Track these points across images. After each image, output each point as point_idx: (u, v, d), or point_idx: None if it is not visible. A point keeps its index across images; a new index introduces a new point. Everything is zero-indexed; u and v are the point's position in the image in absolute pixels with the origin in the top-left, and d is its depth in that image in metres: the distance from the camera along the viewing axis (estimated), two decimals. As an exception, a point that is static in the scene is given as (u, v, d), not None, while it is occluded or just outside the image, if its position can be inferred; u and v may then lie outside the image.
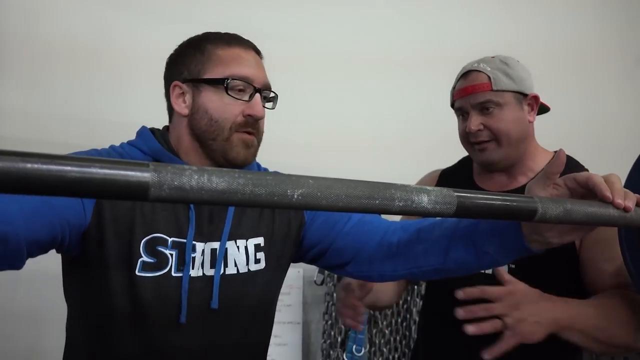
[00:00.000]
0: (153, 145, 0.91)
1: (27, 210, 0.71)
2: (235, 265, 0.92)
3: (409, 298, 2.07)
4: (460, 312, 0.92)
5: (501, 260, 0.82)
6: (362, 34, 2.24)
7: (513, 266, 1.10)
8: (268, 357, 1.05)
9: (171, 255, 0.86)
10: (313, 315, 2.20)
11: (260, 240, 0.96)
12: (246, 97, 0.89)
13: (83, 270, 0.86)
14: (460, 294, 0.93)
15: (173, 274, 0.86)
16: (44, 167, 0.38)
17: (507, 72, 1.14)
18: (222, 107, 0.88)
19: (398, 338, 2.03)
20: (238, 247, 0.93)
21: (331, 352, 2.08)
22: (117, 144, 0.94)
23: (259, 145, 0.93)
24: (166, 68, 0.95)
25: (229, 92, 0.87)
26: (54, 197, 0.43)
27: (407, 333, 2.06)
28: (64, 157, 0.40)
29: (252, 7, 2.05)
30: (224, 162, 0.89)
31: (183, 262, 0.87)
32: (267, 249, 0.96)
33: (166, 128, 0.97)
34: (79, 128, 1.74)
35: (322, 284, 2.13)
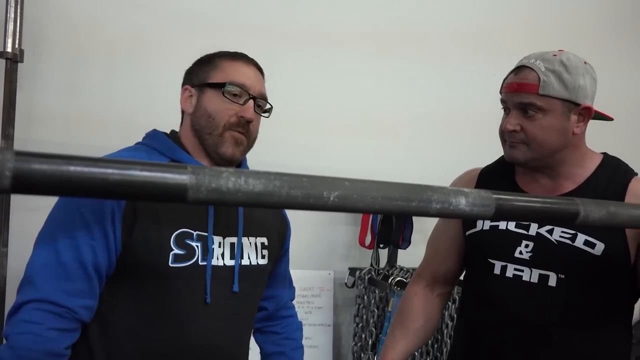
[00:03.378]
0: (170, 146, 1.03)
1: None
2: (249, 258, 1.09)
3: (441, 301, 2.04)
4: None
5: None
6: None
7: (562, 276, 1.07)
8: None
9: (197, 246, 1.00)
10: (344, 317, 2.19)
11: (264, 239, 1.13)
12: (241, 102, 1.02)
13: (114, 278, 0.97)
14: None
15: (200, 263, 1.00)
16: (87, 169, 0.39)
17: (562, 76, 1.05)
18: (219, 106, 1.02)
19: (430, 342, 2.01)
20: (250, 242, 1.10)
21: (362, 355, 2.07)
22: None
23: (249, 146, 1.07)
24: (183, 77, 1.10)
25: (225, 95, 1.02)
26: None
27: (439, 337, 2.03)
28: (106, 160, 0.41)
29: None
30: (215, 155, 1.03)
31: (206, 252, 1.01)
32: (269, 248, 1.14)
33: (173, 132, 1.09)
34: (118, 132, 1.78)
35: (353, 286, 2.12)
